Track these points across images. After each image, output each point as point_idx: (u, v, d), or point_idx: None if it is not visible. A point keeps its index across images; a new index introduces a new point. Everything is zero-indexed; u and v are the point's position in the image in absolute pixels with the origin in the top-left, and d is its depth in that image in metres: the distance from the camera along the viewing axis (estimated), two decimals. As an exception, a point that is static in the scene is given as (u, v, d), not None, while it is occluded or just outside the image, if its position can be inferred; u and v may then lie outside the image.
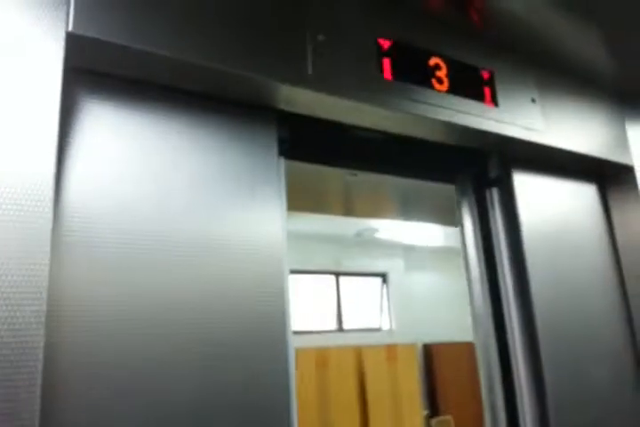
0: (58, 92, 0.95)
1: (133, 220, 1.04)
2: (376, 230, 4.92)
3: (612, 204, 2.03)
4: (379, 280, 5.66)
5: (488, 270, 1.66)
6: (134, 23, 1.04)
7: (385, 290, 5.64)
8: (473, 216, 1.71)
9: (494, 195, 1.72)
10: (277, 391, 1.11)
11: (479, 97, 1.54)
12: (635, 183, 1.97)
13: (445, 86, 1.47)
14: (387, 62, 1.37)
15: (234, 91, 1.22)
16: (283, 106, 1.30)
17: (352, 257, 5.36)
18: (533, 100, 1.67)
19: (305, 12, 1.27)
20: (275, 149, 1.28)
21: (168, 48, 1.06)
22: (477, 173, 1.74)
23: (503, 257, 1.65)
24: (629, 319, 1.90)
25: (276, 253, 1.20)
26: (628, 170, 1.97)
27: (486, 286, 1.65)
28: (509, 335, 1.60)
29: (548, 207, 1.80)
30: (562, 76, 1.84)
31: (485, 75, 1.58)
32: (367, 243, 5.28)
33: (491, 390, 1.58)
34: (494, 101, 1.57)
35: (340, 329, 5.23)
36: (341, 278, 5.41)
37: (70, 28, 0.97)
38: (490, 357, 1.60)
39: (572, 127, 1.80)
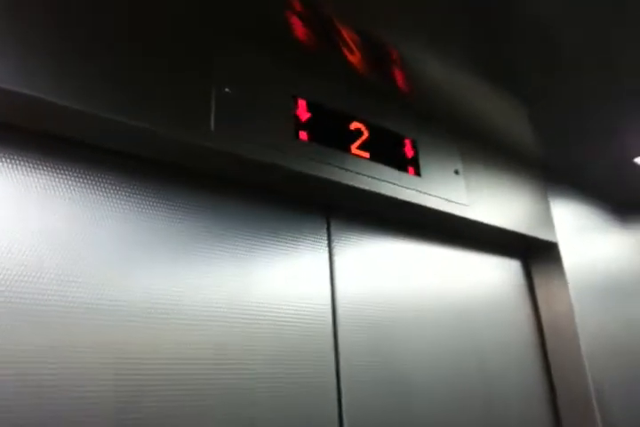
0: None
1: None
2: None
3: (536, 280, 1.98)
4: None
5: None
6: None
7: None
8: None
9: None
10: None
11: (402, 166, 1.46)
12: (559, 260, 1.94)
13: (367, 153, 1.39)
14: (303, 122, 1.28)
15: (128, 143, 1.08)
16: (183, 161, 1.17)
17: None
18: (457, 172, 1.62)
19: (210, 61, 1.16)
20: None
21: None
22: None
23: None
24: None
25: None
26: (553, 246, 1.94)
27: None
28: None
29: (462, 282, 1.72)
30: (486, 149, 1.81)
31: (409, 143, 1.51)
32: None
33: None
34: (417, 171, 1.50)
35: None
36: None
37: None
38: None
39: (496, 201, 1.76)
